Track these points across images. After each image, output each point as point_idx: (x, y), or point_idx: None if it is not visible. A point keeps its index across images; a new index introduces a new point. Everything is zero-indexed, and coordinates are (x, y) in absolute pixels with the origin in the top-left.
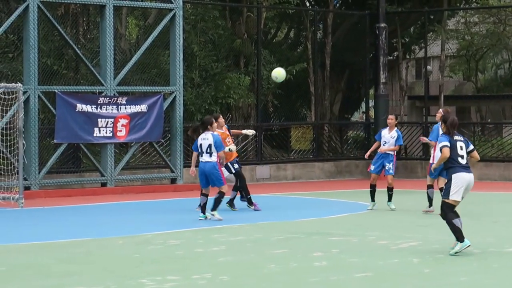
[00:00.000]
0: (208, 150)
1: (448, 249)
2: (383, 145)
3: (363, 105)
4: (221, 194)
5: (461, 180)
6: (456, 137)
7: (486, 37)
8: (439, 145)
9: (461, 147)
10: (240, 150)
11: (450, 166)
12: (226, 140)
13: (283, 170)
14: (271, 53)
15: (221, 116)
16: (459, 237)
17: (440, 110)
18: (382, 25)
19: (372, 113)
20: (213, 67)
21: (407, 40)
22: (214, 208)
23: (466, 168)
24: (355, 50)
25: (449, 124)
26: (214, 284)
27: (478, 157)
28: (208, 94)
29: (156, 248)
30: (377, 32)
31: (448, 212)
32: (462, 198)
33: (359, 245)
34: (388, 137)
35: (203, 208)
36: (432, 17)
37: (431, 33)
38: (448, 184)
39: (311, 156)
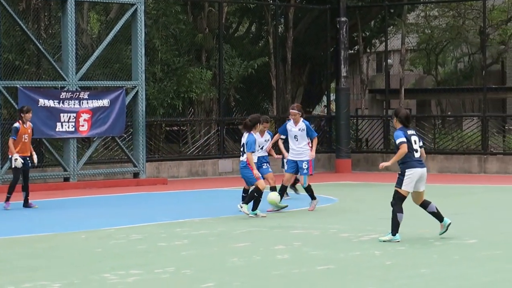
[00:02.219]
0: (242, 149)
1: (379, 239)
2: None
3: (325, 98)
4: (255, 190)
5: (414, 174)
6: (409, 131)
7: (446, 31)
8: (396, 141)
9: (415, 141)
10: (203, 144)
11: (405, 160)
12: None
13: None
14: (233, 48)
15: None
16: (394, 230)
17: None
18: (343, 19)
19: (333, 106)
20: (175, 62)
21: (367, 34)
22: (246, 201)
23: (419, 162)
24: (316, 44)
25: (403, 117)
26: (177, 277)
27: (425, 155)
28: (170, 88)
29: (118, 242)
30: (338, 26)
31: (397, 202)
32: (421, 190)
33: (321, 238)
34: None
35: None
36: (392, 11)
37: (392, 27)
38: (402, 177)
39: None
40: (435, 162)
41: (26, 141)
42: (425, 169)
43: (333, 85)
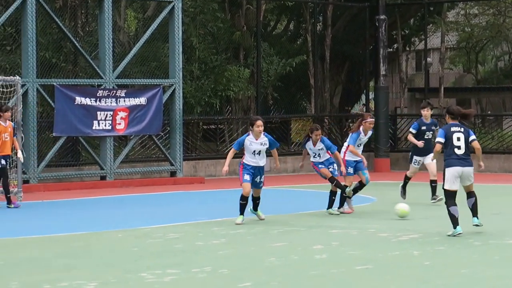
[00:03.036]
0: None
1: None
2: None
3: (363, 97)
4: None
5: (452, 172)
6: (453, 128)
7: (486, 29)
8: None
9: (458, 138)
10: None
11: (445, 158)
12: None
13: (283, 163)
14: (271, 46)
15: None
16: (453, 223)
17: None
18: (382, 17)
19: (372, 105)
20: (212, 60)
21: (407, 32)
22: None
23: (460, 160)
24: (355, 42)
25: (451, 111)
26: (214, 277)
27: (479, 147)
28: (208, 86)
29: (155, 241)
30: (377, 24)
31: (448, 199)
32: (467, 184)
33: (359, 238)
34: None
35: None
36: (432, 8)
37: (431, 25)
38: (443, 175)
39: None
40: (474, 162)
41: (6, 140)
42: (467, 167)
43: (372, 83)
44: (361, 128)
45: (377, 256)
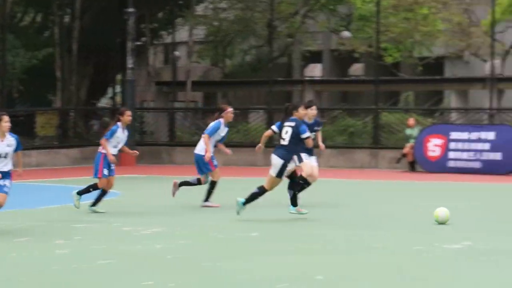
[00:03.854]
0: None
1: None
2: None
3: (111, 90)
4: None
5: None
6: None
7: (234, 23)
8: None
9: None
10: None
11: None
12: None
13: (27, 157)
14: (17, 38)
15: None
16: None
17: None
18: (131, 10)
19: (119, 98)
20: None
21: (155, 25)
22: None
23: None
24: (103, 34)
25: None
26: None
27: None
28: None
29: None
30: (125, 17)
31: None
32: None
33: (103, 232)
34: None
35: None
36: (180, 2)
37: (180, 18)
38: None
39: (56, 143)
40: (219, 155)
41: None
42: (273, 155)
43: (119, 76)
44: (221, 120)
45: (119, 250)
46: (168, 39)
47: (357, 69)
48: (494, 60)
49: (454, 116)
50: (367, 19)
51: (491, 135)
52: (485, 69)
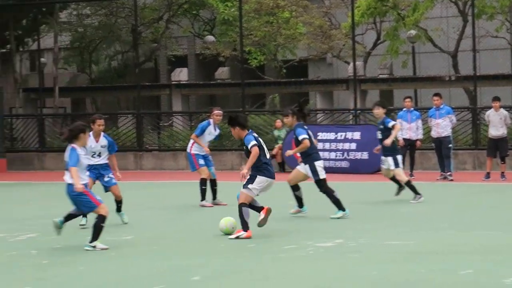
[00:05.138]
0: None
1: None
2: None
3: None
4: None
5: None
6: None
7: (98, 29)
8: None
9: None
10: None
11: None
12: None
13: None
14: None
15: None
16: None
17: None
18: None
19: None
20: None
21: (20, 32)
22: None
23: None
24: None
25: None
26: None
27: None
28: None
29: None
30: None
31: None
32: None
33: None
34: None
35: None
36: (44, 9)
37: (44, 25)
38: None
39: None
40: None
41: None
42: None
43: None
44: (210, 120)
45: None
46: (33, 46)
47: (222, 72)
48: (356, 61)
49: (320, 117)
50: (230, 23)
51: (357, 135)
52: (348, 71)
